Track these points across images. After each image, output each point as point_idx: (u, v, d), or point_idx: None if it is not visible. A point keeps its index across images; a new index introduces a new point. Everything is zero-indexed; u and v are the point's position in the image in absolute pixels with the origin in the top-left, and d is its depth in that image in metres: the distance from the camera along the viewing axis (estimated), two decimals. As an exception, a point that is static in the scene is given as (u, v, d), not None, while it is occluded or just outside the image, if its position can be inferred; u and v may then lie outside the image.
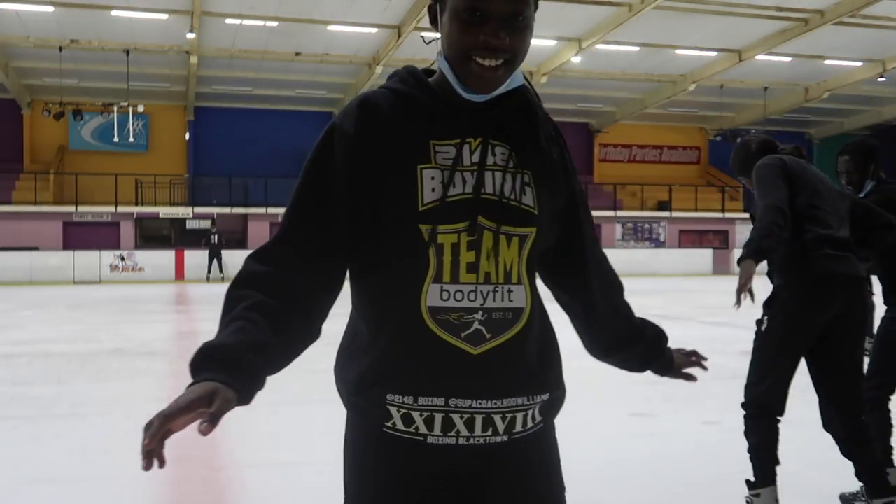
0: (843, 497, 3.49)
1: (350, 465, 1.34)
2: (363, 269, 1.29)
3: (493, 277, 1.24)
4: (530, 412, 1.28)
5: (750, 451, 3.11)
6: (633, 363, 1.53)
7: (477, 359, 1.23)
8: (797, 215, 3.00)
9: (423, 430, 1.24)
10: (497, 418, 1.25)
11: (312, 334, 1.25)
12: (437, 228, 1.22)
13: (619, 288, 1.50)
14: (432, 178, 1.23)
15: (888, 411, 3.43)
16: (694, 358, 1.56)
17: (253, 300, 1.18)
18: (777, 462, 3.09)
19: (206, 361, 1.09)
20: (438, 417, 1.23)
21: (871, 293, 4.52)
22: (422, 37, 1.30)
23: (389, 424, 1.25)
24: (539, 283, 1.37)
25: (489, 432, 1.25)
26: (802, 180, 3.08)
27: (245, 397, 1.10)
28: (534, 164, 1.29)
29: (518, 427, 1.28)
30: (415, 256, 1.23)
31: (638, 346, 1.50)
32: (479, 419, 1.24)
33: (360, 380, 1.26)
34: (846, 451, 3.09)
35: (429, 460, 1.27)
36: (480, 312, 1.23)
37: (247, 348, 1.12)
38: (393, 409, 1.24)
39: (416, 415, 1.23)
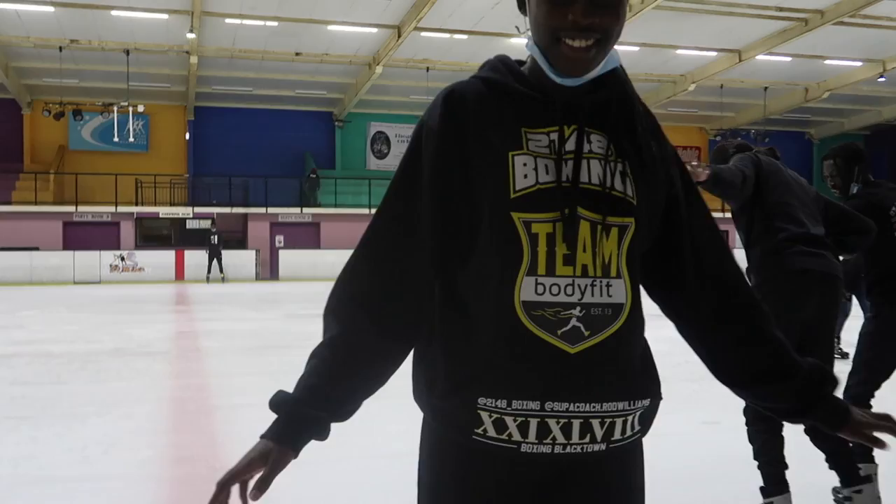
0: (834, 490, 3.52)
1: (430, 480, 1.25)
2: (453, 266, 1.22)
3: (591, 270, 1.15)
4: (630, 419, 1.20)
5: (755, 457, 3.11)
6: (777, 406, 1.29)
7: (575, 358, 1.14)
8: (771, 214, 3.05)
9: (516, 436, 1.15)
10: (595, 423, 1.16)
11: (405, 350, 1.24)
12: (531, 217, 1.15)
13: (754, 308, 1.30)
14: (524, 165, 1.16)
15: (870, 408, 3.45)
16: (887, 423, 1.25)
17: (334, 333, 1.20)
18: (785, 466, 3.08)
19: (276, 412, 1.17)
20: (533, 423, 1.15)
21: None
22: (516, 27, 1.22)
23: (480, 431, 1.16)
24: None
25: (587, 439, 1.16)
26: (776, 178, 3.15)
27: (305, 443, 1.17)
28: (631, 154, 1.22)
29: (616, 434, 1.19)
30: (507, 247, 1.15)
31: (784, 385, 1.27)
32: (576, 424, 1.15)
33: (446, 384, 1.18)
34: (814, 439, 3.12)
35: (521, 472, 1.18)
36: (578, 308, 1.14)
37: (313, 400, 1.17)
38: (484, 415, 1.15)
39: (509, 420, 1.15)
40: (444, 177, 1.19)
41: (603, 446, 1.18)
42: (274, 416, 1.17)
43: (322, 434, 1.18)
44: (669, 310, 1.33)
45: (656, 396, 1.25)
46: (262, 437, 1.15)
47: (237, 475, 1.11)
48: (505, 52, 1.31)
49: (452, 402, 1.18)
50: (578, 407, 1.15)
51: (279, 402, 1.17)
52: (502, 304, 1.15)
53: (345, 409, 1.20)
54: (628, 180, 1.20)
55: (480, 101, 1.21)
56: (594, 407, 1.16)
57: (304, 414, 1.16)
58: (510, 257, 1.15)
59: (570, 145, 1.18)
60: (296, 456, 1.16)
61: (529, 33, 1.23)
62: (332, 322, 1.21)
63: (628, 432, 1.21)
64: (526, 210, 1.15)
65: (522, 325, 1.14)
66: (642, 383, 1.22)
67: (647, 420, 1.24)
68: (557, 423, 1.15)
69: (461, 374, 1.17)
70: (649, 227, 1.23)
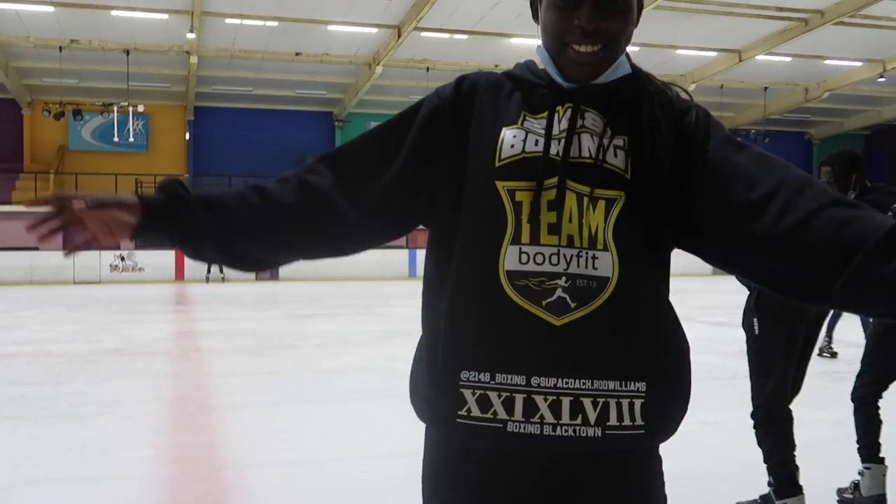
0: (839, 491, 3.53)
1: (427, 478, 1.26)
2: (439, 237, 1.23)
3: (577, 241, 1.13)
4: (626, 404, 1.13)
5: (765, 460, 3.11)
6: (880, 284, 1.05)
7: (561, 330, 1.11)
8: None
9: (501, 414, 1.11)
10: (587, 403, 1.11)
11: (322, 245, 1.26)
12: (515, 185, 1.15)
13: (815, 198, 1.12)
14: (514, 136, 1.17)
15: (878, 408, 3.47)
16: None
17: (269, 184, 1.24)
18: (796, 467, 3.07)
19: (161, 188, 1.21)
20: (519, 399, 1.11)
21: None
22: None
23: (463, 412, 1.13)
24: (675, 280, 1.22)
25: (578, 420, 1.11)
26: None
27: (162, 220, 1.21)
28: (632, 131, 1.19)
29: (612, 419, 1.12)
30: (491, 216, 1.15)
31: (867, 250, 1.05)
32: (565, 402, 1.11)
33: (431, 364, 1.18)
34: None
35: (510, 459, 1.15)
36: (564, 278, 1.12)
37: (203, 200, 1.23)
38: (467, 393, 1.13)
39: (493, 396, 1.12)
40: (430, 133, 1.22)
41: (598, 431, 1.12)
42: None
43: (185, 230, 1.22)
44: (753, 268, 1.19)
45: (658, 381, 1.17)
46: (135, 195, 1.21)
47: (88, 200, 1.20)
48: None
49: (436, 383, 1.17)
50: (567, 383, 1.11)
51: (172, 181, 1.23)
52: (486, 273, 1.14)
53: (227, 238, 1.23)
54: (622, 154, 1.18)
55: (492, 86, 1.25)
56: (584, 383, 1.11)
57: (185, 198, 1.21)
58: (494, 226, 1.15)
59: (564, 125, 1.19)
60: (133, 234, 1.21)
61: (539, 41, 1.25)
62: (275, 180, 1.25)
63: (626, 420, 1.13)
64: (510, 178, 1.16)
65: (506, 296, 1.12)
66: (636, 363, 1.15)
67: (652, 416, 1.15)
68: (545, 399, 1.11)
69: (444, 346, 1.16)
70: (651, 202, 1.17)
